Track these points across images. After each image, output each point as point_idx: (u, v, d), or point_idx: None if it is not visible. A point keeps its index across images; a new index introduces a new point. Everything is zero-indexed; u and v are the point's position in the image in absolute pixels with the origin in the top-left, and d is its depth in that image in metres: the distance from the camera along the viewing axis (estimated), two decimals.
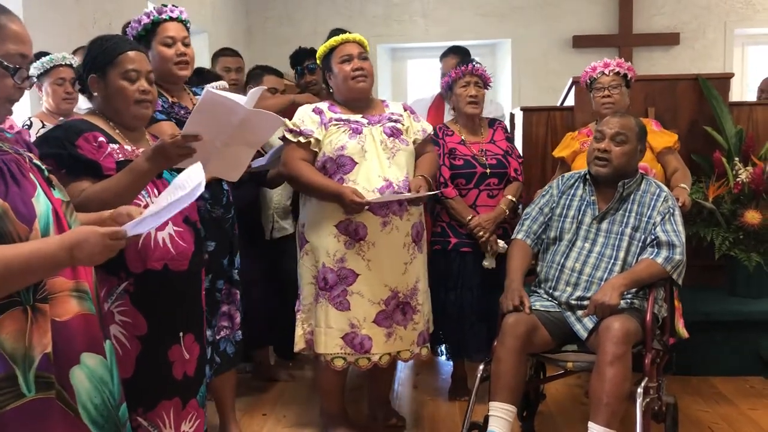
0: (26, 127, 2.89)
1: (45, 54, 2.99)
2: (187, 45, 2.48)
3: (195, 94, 2.64)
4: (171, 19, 2.46)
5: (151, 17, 2.44)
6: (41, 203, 1.37)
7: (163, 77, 2.49)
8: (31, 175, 1.39)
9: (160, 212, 1.42)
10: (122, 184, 1.81)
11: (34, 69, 2.97)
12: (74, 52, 3.11)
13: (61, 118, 2.77)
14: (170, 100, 2.48)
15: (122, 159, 1.90)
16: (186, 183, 1.49)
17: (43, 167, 1.47)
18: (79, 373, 1.40)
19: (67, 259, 1.32)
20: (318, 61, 2.86)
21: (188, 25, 2.52)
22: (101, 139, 1.89)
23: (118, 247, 1.37)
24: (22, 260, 1.26)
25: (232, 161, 2.12)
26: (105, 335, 1.50)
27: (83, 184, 1.84)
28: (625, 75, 3.13)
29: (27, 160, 1.42)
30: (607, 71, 3.11)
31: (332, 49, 2.75)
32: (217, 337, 2.57)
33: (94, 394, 1.42)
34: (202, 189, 1.45)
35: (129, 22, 2.52)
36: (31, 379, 1.30)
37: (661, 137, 3.14)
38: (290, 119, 2.74)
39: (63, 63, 2.98)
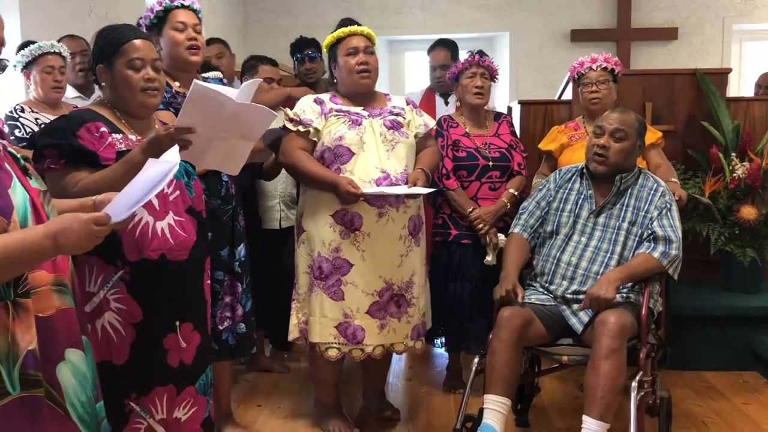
0: (19, 111, 2.88)
1: (32, 43, 2.96)
2: (198, 32, 2.50)
3: (206, 81, 2.63)
4: (182, 6, 2.49)
5: (163, 4, 2.47)
6: (18, 194, 1.32)
7: (175, 63, 2.50)
8: (6, 165, 1.35)
9: (143, 196, 1.39)
10: (118, 175, 1.81)
11: (22, 57, 2.95)
12: (59, 40, 3.07)
13: (73, 108, 2.75)
14: (174, 89, 2.48)
15: (124, 149, 1.91)
16: (163, 165, 1.49)
17: (19, 156, 1.42)
18: (65, 370, 1.37)
19: (52, 248, 1.28)
20: (325, 50, 2.84)
21: (200, 15, 2.54)
22: (103, 129, 1.90)
23: (103, 233, 1.33)
24: (7, 252, 1.22)
25: (229, 155, 2.12)
26: (82, 330, 1.47)
27: (81, 174, 1.85)
28: (613, 70, 3.14)
29: (1, 149, 1.38)
30: (594, 66, 3.12)
31: (339, 40, 2.73)
32: (220, 327, 2.56)
33: (79, 391, 1.40)
34: (176, 169, 1.45)
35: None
36: (16, 376, 1.27)
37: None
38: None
39: (51, 51, 2.94)
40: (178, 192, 1.99)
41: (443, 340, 3.29)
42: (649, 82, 3.81)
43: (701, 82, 3.73)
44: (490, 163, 3.15)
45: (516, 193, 3.15)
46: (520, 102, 4.09)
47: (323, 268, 2.66)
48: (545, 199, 2.73)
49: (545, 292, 2.61)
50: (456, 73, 3.24)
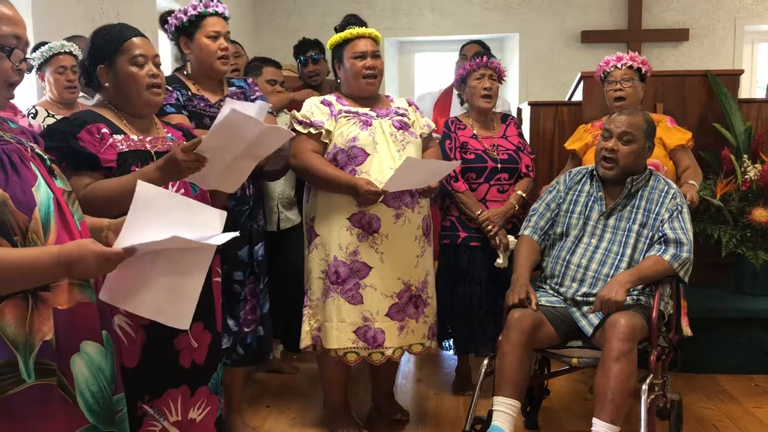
0: (31, 116, 2.88)
1: (45, 44, 2.98)
2: (228, 41, 2.53)
3: (231, 84, 2.65)
4: (216, 14, 2.51)
5: (198, 10, 2.48)
6: (42, 192, 1.37)
7: (202, 70, 2.52)
8: (32, 165, 1.40)
9: (163, 242, 1.41)
10: (131, 188, 1.79)
11: (35, 59, 2.96)
12: (69, 39, 3.08)
13: (79, 109, 2.76)
14: (190, 92, 2.49)
15: (126, 149, 1.90)
16: (203, 226, 1.52)
17: (46, 156, 1.47)
18: (79, 361, 1.42)
19: (63, 273, 1.34)
20: (329, 47, 2.82)
21: (228, 21, 2.57)
22: (104, 130, 1.90)
23: (113, 266, 1.38)
24: (20, 268, 1.28)
25: (233, 174, 2.11)
26: (103, 324, 1.51)
27: (83, 179, 1.86)
28: (639, 69, 3.11)
29: (28, 150, 1.42)
30: (619, 65, 3.09)
31: (346, 41, 2.73)
32: (246, 330, 2.57)
33: (91, 382, 1.44)
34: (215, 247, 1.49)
35: (170, 11, 2.57)
36: (31, 365, 1.32)
37: (674, 134, 3.12)
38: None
39: (62, 51, 2.96)
40: (183, 190, 1.99)
41: (451, 342, 3.28)
42: (660, 83, 3.79)
43: (713, 84, 3.71)
44: (499, 165, 3.14)
45: (524, 195, 3.15)
46: (530, 103, 4.08)
47: (340, 272, 2.65)
48: (555, 201, 2.72)
49: (555, 294, 2.60)
50: (464, 75, 3.23)
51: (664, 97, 3.76)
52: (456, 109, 3.91)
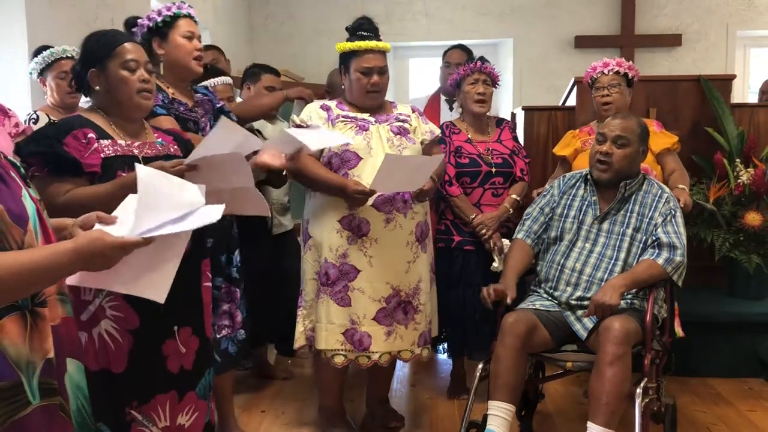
0: (33, 121, 2.87)
1: (46, 48, 2.97)
2: (200, 42, 2.55)
3: (196, 91, 2.65)
4: (189, 16, 2.53)
5: (173, 11, 2.50)
6: (28, 202, 1.31)
7: (177, 70, 2.52)
8: (12, 174, 1.32)
9: (177, 233, 1.38)
10: (113, 197, 1.75)
11: (36, 64, 2.96)
12: None
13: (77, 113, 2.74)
14: (170, 96, 2.49)
15: (111, 154, 1.90)
16: (191, 201, 1.49)
17: (18, 164, 1.40)
18: (67, 380, 1.37)
19: (81, 268, 1.29)
20: (338, 49, 2.77)
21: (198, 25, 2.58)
22: (90, 135, 1.89)
23: (126, 254, 1.33)
24: (36, 271, 1.20)
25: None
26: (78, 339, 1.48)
27: (65, 185, 1.84)
28: (626, 74, 3.13)
29: (2, 157, 1.34)
30: (606, 71, 3.12)
31: (354, 52, 2.69)
32: (218, 336, 2.56)
33: (71, 401, 1.39)
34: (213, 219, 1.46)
35: (136, 17, 2.56)
36: (35, 385, 1.25)
37: (660, 138, 3.13)
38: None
39: (64, 56, 2.95)
40: None
41: (446, 346, 3.28)
42: (653, 88, 3.81)
43: (705, 89, 3.73)
44: (493, 170, 3.15)
45: (518, 199, 3.16)
46: (524, 108, 4.09)
47: (330, 274, 2.66)
48: (549, 205, 2.73)
49: (549, 298, 2.61)
50: (458, 79, 3.24)
51: (657, 102, 3.78)
52: (445, 115, 3.92)
